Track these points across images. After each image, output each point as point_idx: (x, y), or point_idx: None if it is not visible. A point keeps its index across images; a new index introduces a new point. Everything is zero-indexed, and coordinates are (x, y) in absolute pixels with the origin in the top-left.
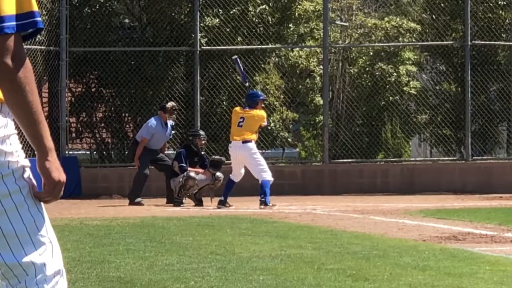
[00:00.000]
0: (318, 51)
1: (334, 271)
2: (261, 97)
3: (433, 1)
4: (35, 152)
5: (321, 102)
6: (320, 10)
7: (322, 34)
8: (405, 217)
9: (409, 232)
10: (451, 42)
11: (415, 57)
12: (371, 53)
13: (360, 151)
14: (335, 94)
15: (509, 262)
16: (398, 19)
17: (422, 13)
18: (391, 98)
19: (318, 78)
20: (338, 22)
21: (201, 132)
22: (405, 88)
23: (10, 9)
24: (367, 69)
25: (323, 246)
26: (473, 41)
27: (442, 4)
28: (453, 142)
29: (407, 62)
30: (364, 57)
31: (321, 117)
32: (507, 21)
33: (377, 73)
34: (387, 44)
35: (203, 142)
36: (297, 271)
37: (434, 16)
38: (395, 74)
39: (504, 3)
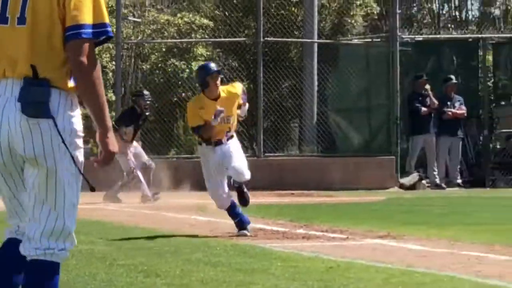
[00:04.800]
0: (111, 47)
1: (125, 266)
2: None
3: None
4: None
5: (114, 98)
6: (113, 6)
7: (114, 30)
8: (197, 213)
9: (201, 228)
10: (244, 38)
11: (208, 53)
12: (164, 49)
13: (151, 147)
14: (128, 90)
15: (300, 258)
16: (190, 15)
17: (215, 9)
18: (183, 94)
19: (110, 74)
20: (130, 18)
21: (146, 92)
22: (197, 85)
23: (88, 19)
24: (160, 65)
25: (115, 242)
26: (266, 38)
27: (234, 1)
28: (245, 138)
29: (200, 59)
30: (156, 53)
31: (114, 113)
32: (299, 18)
33: (169, 69)
34: (179, 40)
35: (147, 102)
36: (88, 267)
37: (227, 13)
38: (187, 70)
39: (297, 0)
